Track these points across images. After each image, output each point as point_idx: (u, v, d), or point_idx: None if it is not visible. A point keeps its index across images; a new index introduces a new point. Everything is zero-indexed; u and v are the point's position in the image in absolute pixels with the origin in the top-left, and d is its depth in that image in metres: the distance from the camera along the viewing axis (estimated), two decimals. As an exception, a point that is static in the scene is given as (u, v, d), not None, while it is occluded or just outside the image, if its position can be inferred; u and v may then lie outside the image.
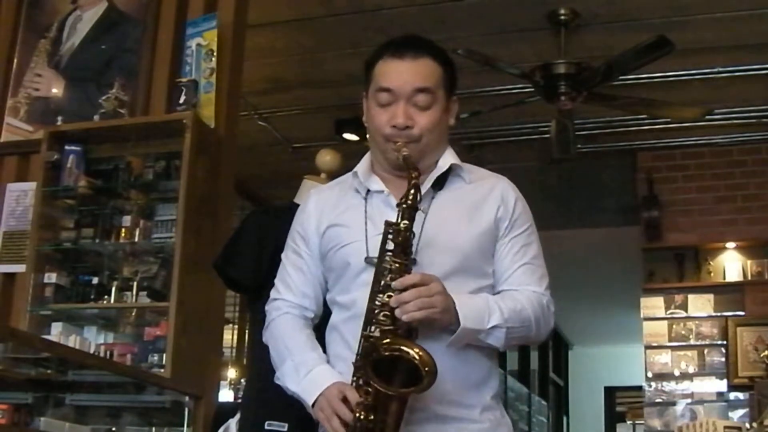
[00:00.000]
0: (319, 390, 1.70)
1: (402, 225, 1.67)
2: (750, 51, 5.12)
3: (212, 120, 3.63)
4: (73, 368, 2.84)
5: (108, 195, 3.70)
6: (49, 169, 3.70)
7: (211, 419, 3.09)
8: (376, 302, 1.67)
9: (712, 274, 6.39)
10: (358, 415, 1.61)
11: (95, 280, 3.60)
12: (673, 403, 6.17)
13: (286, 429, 2.32)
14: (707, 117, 5.39)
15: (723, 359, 6.12)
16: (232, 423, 2.58)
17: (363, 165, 1.90)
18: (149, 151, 3.68)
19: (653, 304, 6.39)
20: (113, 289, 3.55)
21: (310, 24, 4.96)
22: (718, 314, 6.26)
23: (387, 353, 1.60)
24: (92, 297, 3.58)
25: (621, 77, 4.81)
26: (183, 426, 3.05)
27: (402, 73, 1.81)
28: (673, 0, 4.63)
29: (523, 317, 1.77)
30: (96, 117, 3.82)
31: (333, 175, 2.67)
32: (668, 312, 6.35)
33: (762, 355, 5.89)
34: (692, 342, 6.27)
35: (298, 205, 2.59)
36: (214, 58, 3.67)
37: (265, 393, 2.40)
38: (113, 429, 3.04)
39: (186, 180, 3.43)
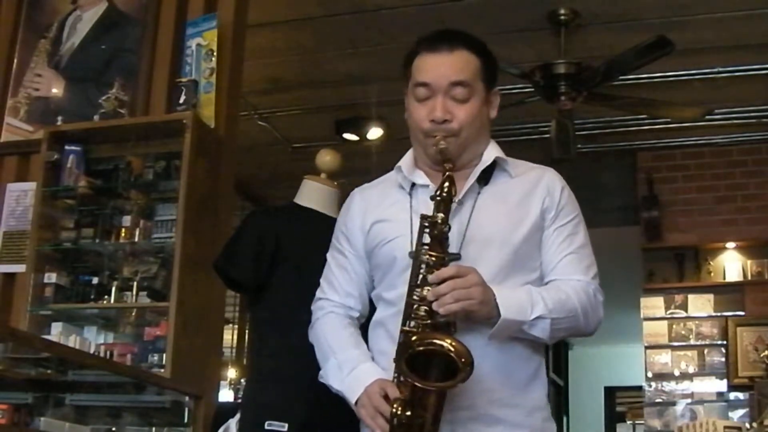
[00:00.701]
0: (361, 388, 1.70)
1: (438, 218, 1.65)
2: (750, 51, 5.12)
3: (212, 120, 3.62)
4: (73, 368, 2.84)
5: (108, 195, 3.70)
6: (49, 169, 3.70)
7: (211, 419, 3.09)
8: (414, 296, 1.65)
9: (712, 274, 6.39)
10: (395, 410, 1.59)
11: (95, 280, 3.60)
12: (673, 403, 6.17)
13: (286, 429, 2.33)
14: (707, 117, 5.40)
15: (723, 359, 6.12)
16: (232, 423, 2.58)
17: (406, 160, 1.89)
18: (149, 151, 3.67)
19: (653, 304, 6.39)
20: (113, 289, 3.55)
21: (310, 24, 4.96)
22: (718, 314, 6.26)
23: (421, 347, 1.58)
24: (92, 297, 3.58)
25: (621, 77, 4.81)
26: (183, 426, 3.05)
27: (438, 67, 1.79)
28: (673, 0, 4.63)
29: (569, 307, 1.74)
30: (96, 117, 3.82)
31: (333, 175, 2.67)
32: (668, 312, 6.35)
33: (762, 355, 5.89)
34: (692, 342, 6.27)
35: (298, 205, 2.62)
36: (214, 58, 3.67)
37: (265, 393, 2.41)
38: (113, 429, 3.04)
39: (186, 180, 3.42)
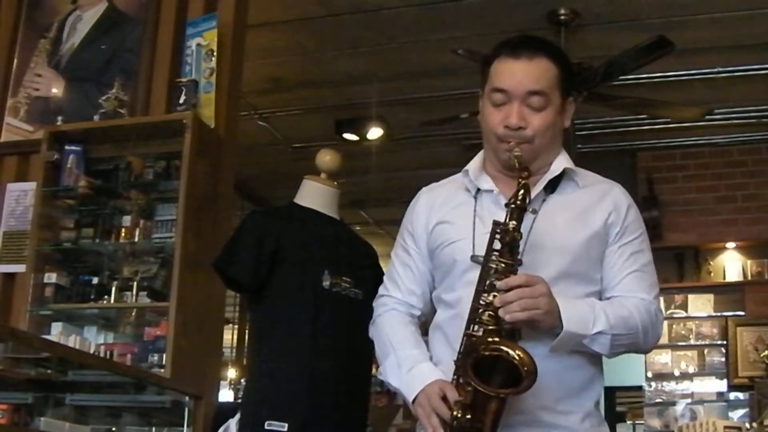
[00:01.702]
0: (420, 386, 1.70)
1: (510, 225, 1.66)
2: (750, 51, 5.12)
3: (212, 120, 3.62)
4: (73, 368, 2.83)
5: (108, 195, 3.69)
6: (49, 169, 3.70)
7: (211, 419, 3.09)
8: (481, 301, 1.66)
9: (712, 274, 6.39)
10: (455, 413, 1.60)
11: (95, 280, 3.60)
12: (673, 403, 6.17)
13: (286, 429, 2.33)
14: (707, 117, 5.40)
15: (723, 359, 6.12)
16: (232, 423, 2.58)
17: (474, 163, 1.90)
18: (149, 151, 3.67)
19: (653, 304, 6.39)
20: (113, 289, 3.54)
21: (310, 24, 4.96)
22: (718, 314, 6.26)
23: (488, 353, 1.59)
24: (92, 297, 3.57)
25: (621, 77, 4.80)
26: (183, 426, 3.05)
27: (516, 74, 1.79)
28: (673, 0, 4.63)
29: (630, 325, 1.74)
30: (96, 117, 3.81)
31: (333, 175, 2.67)
32: (668, 312, 6.35)
33: (762, 355, 5.89)
34: (692, 342, 6.27)
35: (298, 205, 2.62)
36: (214, 58, 3.67)
37: (265, 393, 2.41)
38: (113, 429, 3.04)
39: (186, 180, 3.42)
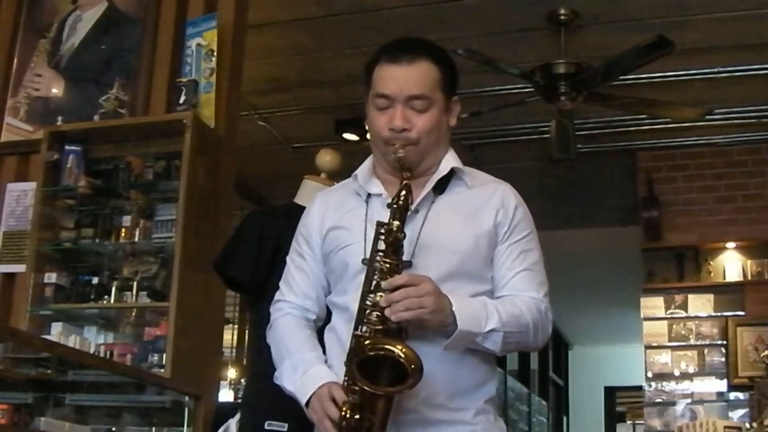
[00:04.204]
0: (312, 390, 1.71)
1: (393, 225, 1.67)
2: (750, 51, 5.12)
3: (212, 120, 3.63)
4: (73, 368, 2.84)
5: (108, 195, 3.70)
6: (49, 169, 3.70)
7: (211, 419, 3.09)
8: (367, 302, 1.66)
9: (712, 274, 6.38)
10: (344, 413, 1.62)
11: (95, 280, 3.60)
12: (673, 403, 6.17)
13: (286, 429, 2.33)
14: (707, 117, 5.39)
15: (723, 359, 6.12)
16: (232, 423, 2.59)
17: (364, 168, 1.90)
18: (149, 151, 3.68)
19: (653, 304, 6.39)
20: (113, 289, 3.55)
21: (310, 24, 4.96)
22: (718, 314, 6.26)
23: (372, 352, 1.59)
24: (92, 297, 3.58)
25: (621, 77, 4.80)
26: (183, 426, 3.05)
27: (397, 80, 1.80)
28: (673, 0, 4.63)
29: (522, 323, 1.75)
30: (96, 117, 3.82)
31: (333, 175, 2.67)
32: (668, 312, 6.35)
33: (762, 355, 5.89)
34: (692, 342, 6.27)
35: (298, 205, 2.62)
36: (214, 58, 3.67)
37: (265, 393, 2.41)
38: (113, 429, 3.04)
39: (186, 180, 3.42)
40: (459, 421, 1.73)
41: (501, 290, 1.82)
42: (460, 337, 1.68)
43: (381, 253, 1.68)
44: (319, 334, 1.90)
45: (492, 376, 1.83)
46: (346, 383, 1.66)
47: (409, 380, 1.56)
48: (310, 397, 1.71)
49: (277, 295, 1.96)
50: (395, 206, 1.69)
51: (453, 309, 1.67)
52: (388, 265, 1.66)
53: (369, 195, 1.86)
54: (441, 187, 1.85)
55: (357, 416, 1.61)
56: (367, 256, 1.73)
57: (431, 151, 1.84)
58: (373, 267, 1.69)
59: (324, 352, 1.83)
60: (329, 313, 1.91)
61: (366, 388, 1.58)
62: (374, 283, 1.67)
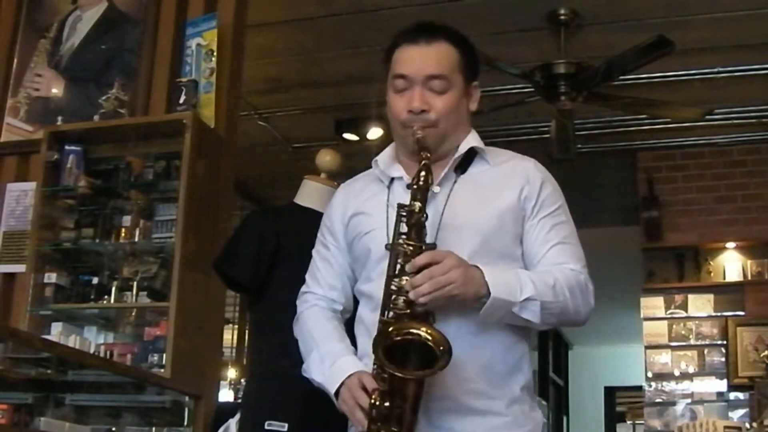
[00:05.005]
0: (340, 380, 1.69)
1: (415, 206, 1.63)
2: (750, 51, 5.12)
3: (212, 120, 3.62)
4: (73, 368, 2.84)
5: (108, 195, 3.70)
6: (49, 169, 3.70)
7: (211, 419, 3.09)
8: (392, 287, 1.63)
9: (712, 274, 6.39)
10: (373, 401, 1.58)
11: (95, 280, 3.60)
12: (673, 403, 6.17)
13: (286, 429, 2.33)
14: (707, 117, 5.39)
15: (723, 359, 6.12)
16: (232, 423, 2.59)
17: (385, 154, 1.89)
18: (149, 151, 3.67)
19: (653, 304, 6.40)
20: (113, 289, 3.54)
21: (310, 24, 4.96)
22: (718, 314, 6.26)
23: (398, 337, 1.56)
24: (92, 297, 3.58)
25: (621, 77, 4.80)
26: (183, 426, 3.05)
27: (416, 59, 1.79)
28: (673, 0, 4.63)
29: (557, 291, 1.70)
30: (96, 117, 3.82)
31: (333, 175, 2.67)
32: (668, 312, 6.35)
33: (762, 355, 5.89)
34: (692, 342, 6.27)
35: (298, 205, 2.62)
36: (214, 58, 3.67)
37: (266, 393, 2.41)
38: (113, 429, 3.04)
39: (186, 180, 3.42)
40: (491, 412, 1.68)
41: (536, 266, 1.77)
42: (495, 306, 1.63)
43: (404, 236, 1.64)
44: (349, 326, 1.88)
45: (527, 359, 1.78)
46: (375, 371, 1.63)
47: (438, 363, 1.52)
48: (340, 388, 1.68)
49: (303, 288, 1.95)
50: (415, 186, 1.65)
51: (484, 277, 1.62)
52: (411, 248, 1.62)
53: (391, 180, 1.84)
54: (462, 166, 1.82)
55: (387, 403, 1.56)
56: (390, 241, 1.69)
57: (451, 134, 1.82)
58: (396, 251, 1.65)
59: (354, 345, 1.81)
60: (357, 304, 1.89)
61: (394, 373, 1.54)
62: (398, 267, 1.63)
